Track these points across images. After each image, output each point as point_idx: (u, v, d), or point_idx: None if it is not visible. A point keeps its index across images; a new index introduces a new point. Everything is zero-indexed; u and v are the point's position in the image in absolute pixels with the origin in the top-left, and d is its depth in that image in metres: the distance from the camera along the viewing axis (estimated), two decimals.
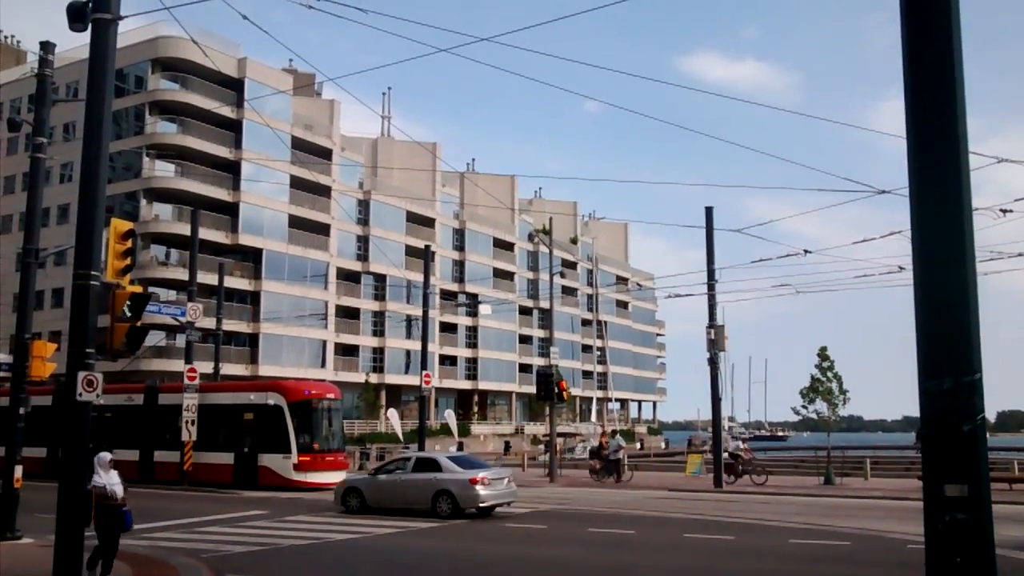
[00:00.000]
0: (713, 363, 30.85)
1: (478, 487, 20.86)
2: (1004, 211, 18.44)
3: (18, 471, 16.25)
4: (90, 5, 11.33)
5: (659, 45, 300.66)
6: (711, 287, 30.34)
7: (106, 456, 12.04)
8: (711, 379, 31.12)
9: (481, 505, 21.08)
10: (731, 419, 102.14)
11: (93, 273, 11.12)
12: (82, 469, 10.96)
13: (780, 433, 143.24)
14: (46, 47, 16.64)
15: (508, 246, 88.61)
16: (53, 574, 10.58)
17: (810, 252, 24.93)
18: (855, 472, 34.15)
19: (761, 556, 15.22)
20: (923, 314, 4.11)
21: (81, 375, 10.92)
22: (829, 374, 32.77)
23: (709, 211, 31.09)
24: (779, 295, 52.40)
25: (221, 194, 59.90)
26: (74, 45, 38.42)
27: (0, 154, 66.49)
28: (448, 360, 79.40)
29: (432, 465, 21.98)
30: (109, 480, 11.72)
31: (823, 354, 33.08)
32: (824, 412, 32.99)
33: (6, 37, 74.61)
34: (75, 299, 11.16)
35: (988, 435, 4.30)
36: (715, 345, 30.43)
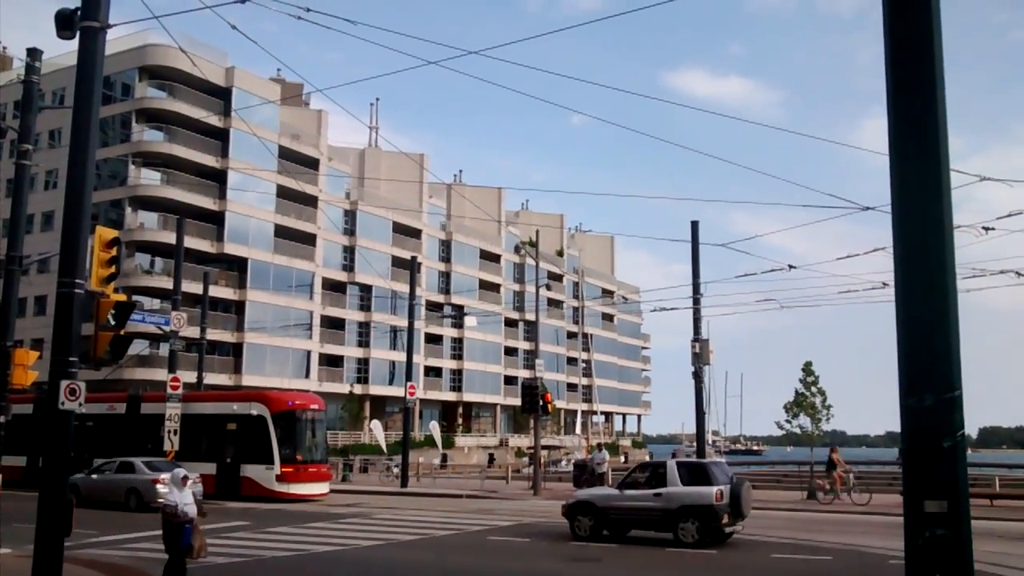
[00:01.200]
0: (698, 377, 30.91)
1: (159, 486, 24.29)
2: (986, 228, 18.61)
3: None
4: (78, 13, 11.32)
5: (644, 61, 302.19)
6: (696, 301, 30.44)
7: (180, 473, 11.64)
8: (696, 393, 31.18)
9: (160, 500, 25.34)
10: (715, 433, 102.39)
11: (78, 281, 11.06)
12: (64, 478, 10.87)
13: (755, 447, 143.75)
14: (33, 54, 16.58)
15: (494, 258, 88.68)
16: None
17: (795, 267, 25.09)
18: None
19: (743, 570, 15.25)
20: (904, 331, 4.15)
21: (64, 383, 10.85)
22: (813, 389, 32.90)
23: (695, 225, 31.20)
24: (764, 310, 52.64)
25: (207, 203, 59.69)
26: (61, 52, 38.25)
27: None
28: (433, 371, 79.26)
29: (130, 467, 26.54)
30: (182, 499, 11.27)
31: (807, 369, 33.21)
32: (808, 427, 33.10)
33: None
34: (59, 307, 11.09)
35: (969, 451, 4.34)
36: (700, 359, 30.50)
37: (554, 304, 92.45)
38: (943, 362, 4.03)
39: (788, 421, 33.41)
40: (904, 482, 4.14)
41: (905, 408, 4.07)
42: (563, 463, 57.75)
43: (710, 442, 68.19)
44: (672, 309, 31.83)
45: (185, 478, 11.61)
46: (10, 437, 17.67)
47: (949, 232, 4.14)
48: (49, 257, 23.45)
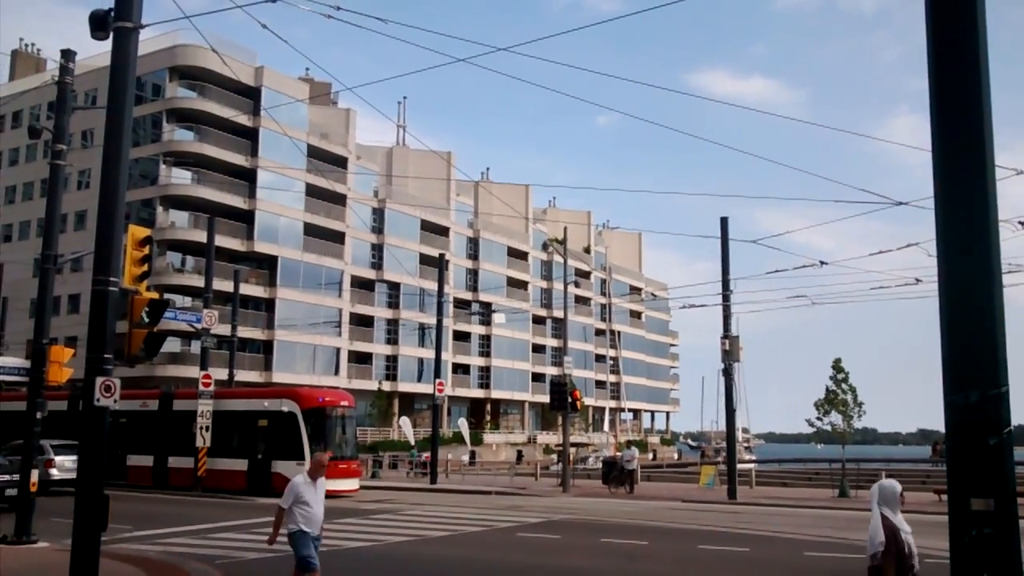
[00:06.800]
0: (728, 374, 30.74)
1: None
2: (1023, 223, 18.33)
3: (34, 475, 16.31)
4: (112, 13, 11.41)
5: (667, 62, 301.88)
6: (726, 298, 30.24)
7: (894, 487, 7.69)
8: (726, 390, 31.02)
9: None
10: (745, 430, 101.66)
11: (112, 279, 11.15)
12: (99, 474, 10.96)
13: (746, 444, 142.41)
14: (67, 55, 16.77)
15: (522, 255, 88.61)
16: None
17: (826, 263, 24.85)
18: (870, 485, 33.83)
19: (777, 567, 15.12)
20: (949, 327, 4.07)
21: (99, 380, 10.94)
22: (844, 386, 32.53)
23: (724, 221, 31.04)
24: (794, 306, 52.27)
25: (237, 202, 60.17)
26: (92, 53, 38.69)
27: (20, 161, 67.06)
28: (461, 369, 79.38)
29: None
30: (901, 523, 7.38)
31: (837, 366, 32.83)
32: (839, 424, 32.76)
33: (26, 45, 75.28)
34: (94, 304, 11.18)
35: None
36: (730, 356, 30.31)
37: (582, 301, 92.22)
38: (989, 358, 3.96)
39: (819, 419, 33.08)
40: (949, 480, 4.07)
41: (950, 405, 4.00)
42: (591, 460, 57.69)
43: (740, 439, 67.75)
44: (701, 306, 31.67)
45: (902, 495, 7.66)
46: (46, 433, 17.90)
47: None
48: (82, 256, 23.72)
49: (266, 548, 16.73)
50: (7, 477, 21.68)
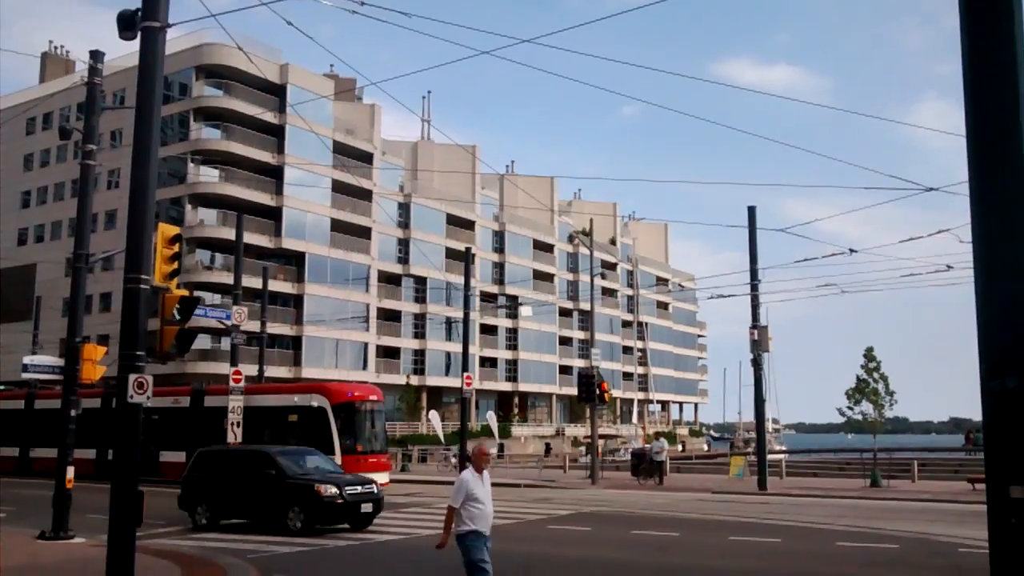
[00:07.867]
0: (757, 364, 30.54)
1: None
2: None
3: (70, 472, 16.53)
4: (139, 13, 11.51)
5: (691, 51, 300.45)
6: (754, 287, 30.05)
7: None
8: (755, 380, 30.83)
9: None
10: (775, 420, 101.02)
11: (143, 277, 11.26)
12: (134, 470, 11.08)
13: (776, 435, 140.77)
14: (95, 56, 16.93)
15: (548, 248, 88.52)
16: (107, 574, 10.71)
17: (856, 251, 24.62)
18: (902, 474, 33.60)
19: (809, 558, 15.02)
20: (985, 313, 4.01)
21: (132, 377, 11.06)
22: (875, 375, 32.22)
23: (752, 211, 30.83)
24: (822, 295, 51.79)
25: (264, 199, 60.57)
26: (120, 54, 39.02)
27: (51, 162, 67.90)
28: (488, 362, 79.48)
29: None
30: None
31: (869, 355, 32.53)
32: (870, 413, 32.47)
33: (55, 48, 76.13)
34: (126, 303, 11.29)
35: None
36: (759, 346, 30.13)
37: (608, 293, 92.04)
38: None
39: (850, 407, 32.82)
40: (987, 467, 4.01)
41: (987, 391, 3.94)
42: (621, 452, 57.62)
43: (769, 429, 67.41)
44: (729, 296, 31.40)
45: None
46: (80, 430, 18.12)
47: None
48: (113, 254, 23.92)
49: (299, 542, 16.92)
50: (359, 489, 18.96)
